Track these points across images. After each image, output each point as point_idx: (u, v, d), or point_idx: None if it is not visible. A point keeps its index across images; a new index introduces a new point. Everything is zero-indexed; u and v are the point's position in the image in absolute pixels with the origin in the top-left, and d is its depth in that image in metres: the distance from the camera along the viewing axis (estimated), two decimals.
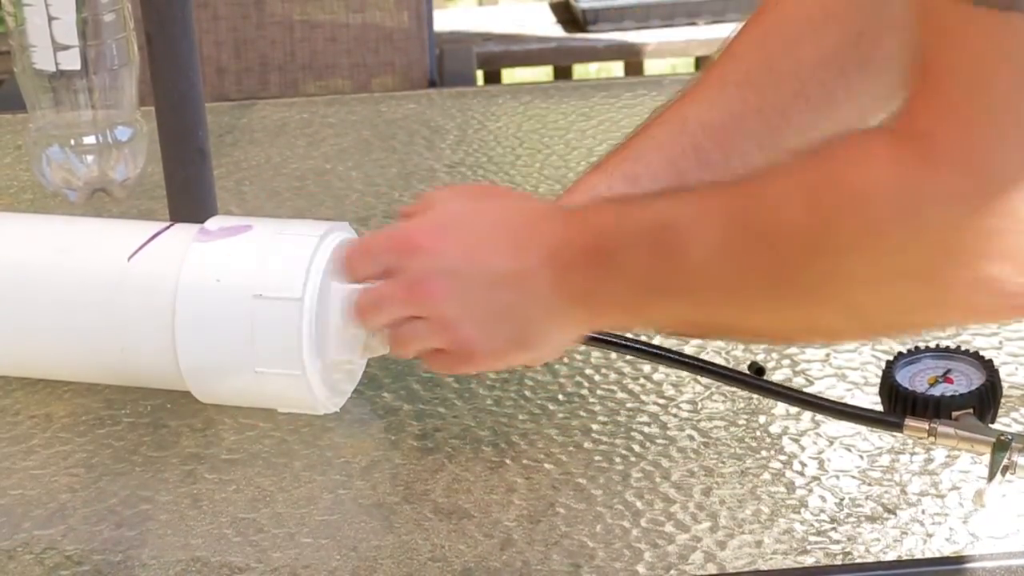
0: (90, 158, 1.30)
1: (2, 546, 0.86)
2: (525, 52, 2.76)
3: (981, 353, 0.89)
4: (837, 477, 0.89)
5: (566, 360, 1.02)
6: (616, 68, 3.25)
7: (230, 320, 0.90)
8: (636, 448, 0.93)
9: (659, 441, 0.94)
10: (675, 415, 0.96)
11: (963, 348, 0.90)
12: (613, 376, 1.01)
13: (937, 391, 0.86)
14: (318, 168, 1.39)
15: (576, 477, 0.90)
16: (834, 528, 0.85)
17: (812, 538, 0.84)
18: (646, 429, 0.95)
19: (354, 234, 0.96)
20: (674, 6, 2.76)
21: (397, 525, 0.87)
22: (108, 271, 0.95)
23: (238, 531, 0.87)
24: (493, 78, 2.81)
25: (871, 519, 0.85)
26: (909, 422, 0.86)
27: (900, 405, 0.87)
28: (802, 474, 0.90)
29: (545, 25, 2.85)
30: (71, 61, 1.25)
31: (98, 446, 0.95)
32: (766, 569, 0.82)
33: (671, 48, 2.73)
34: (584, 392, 0.99)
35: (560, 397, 0.99)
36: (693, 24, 2.74)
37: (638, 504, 0.87)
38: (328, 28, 2.17)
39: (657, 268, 0.80)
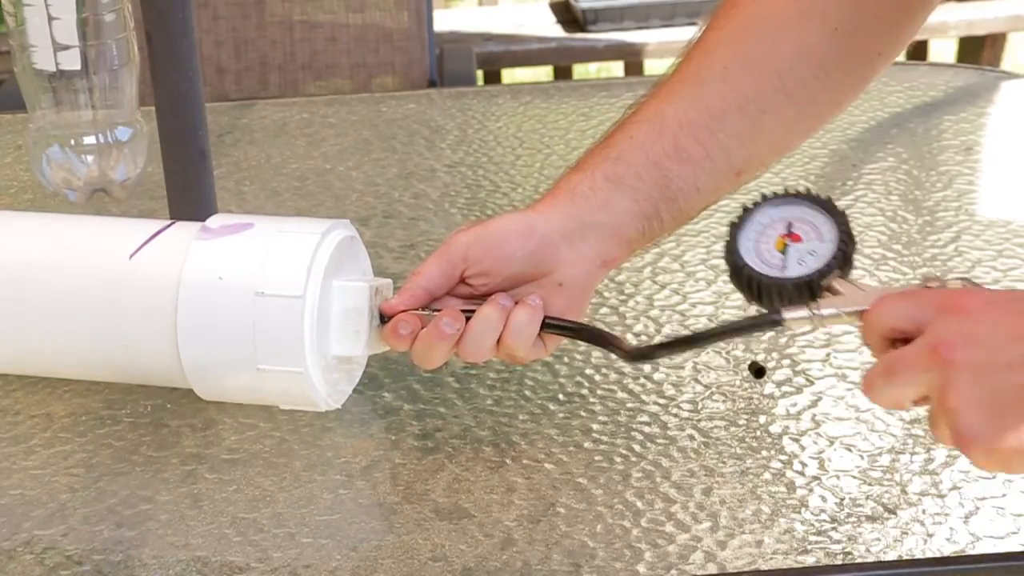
0: (90, 158, 1.30)
1: (2, 546, 0.86)
2: (525, 52, 2.77)
3: (813, 192, 0.84)
4: (837, 477, 0.89)
5: (566, 360, 1.02)
6: (616, 68, 3.26)
7: (232, 317, 0.90)
8: (636, 448, 0.93)
9: (659, 441, 0.94)
10: (675, 415, 0.96)
11: (791, 191, 0.85)
12: (613, 376, 1.01)
13: (794, 260, 0.81)
14: (318, 168, 1.39)
15: (576, 477, 0.90)
16: (834, 528, 0.85)
17: (812, 538, 0.84)
18: (646, 429, 0.95)
19: (355, 232, 0.96)
20: (674, 6, 2.77)
21: (397, 525, 0.87)
22: (110, 269, 0.95)
23: (238, 531, 0.87)
24: (493, 78, 2.81)
25: (871, 519, 0.85)
26: (787, 316, 0.81)
27: (765, 296, 0.82)
28: (802, 474, 0.90)
29: (545, 25, 2.85)
30: (71, 61, 1.25)
31: (98, 446, 0.95)
32: (766, 569, 0.82)
33: (671, 48, 2.73)
34: (584, 392, 0.99)
35: (560, 397, 0.99)
36: (693, 24, 2.74)
37: (638, 504, 0.88)
38: (328, 28, 2.17)
39: None
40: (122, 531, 0.87)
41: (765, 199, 0.85)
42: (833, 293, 0.81)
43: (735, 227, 0.85)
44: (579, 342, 1.04)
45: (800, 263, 0.82)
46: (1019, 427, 0.69)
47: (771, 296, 0.82)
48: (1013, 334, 0.71)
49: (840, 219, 0.82)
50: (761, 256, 0.83)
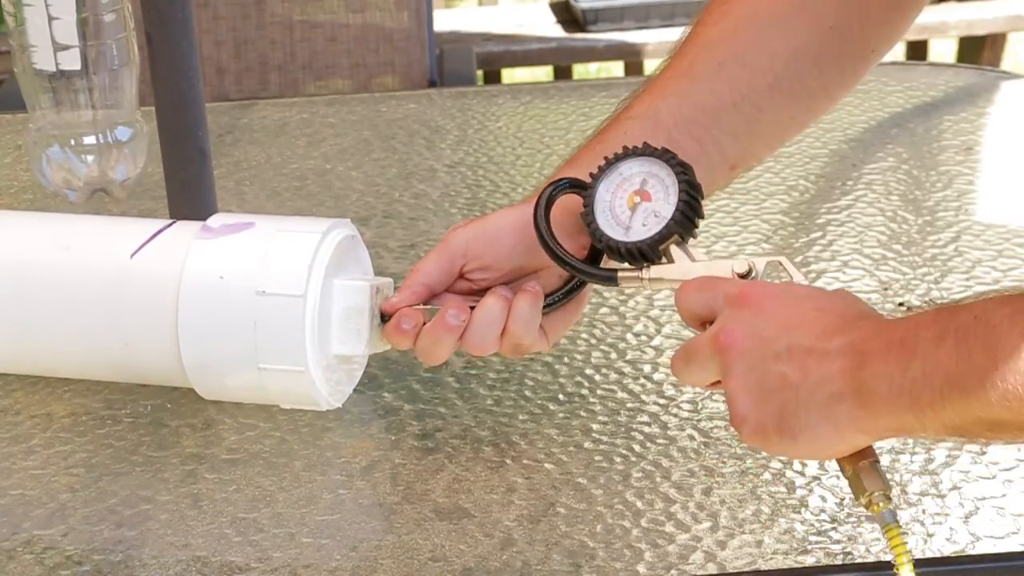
0: (90, 158, 1.30)
1: (2, 546, 0.86)
2: (525, 52, 2.77)
3: (676, 156, 0.86)
4: (837, 477, 0.89)
5: (566, 360, 1.02)
6: (616, 68, 3.26)
7: (233, 316, 0.90)
8: (636, 448, 0.93)
9: (659, 441, 0.94)
10: (675, 415, 0.96)
11: (654, 147, 0.87)
12: (613, 376, 1.01)
13: (639, 220, 0.86)
14: (318, 168, 1.39)
15: (576, 477, 0.90)
16: (834, 528, 0.85)
17: (812, 538, 0.84)
18: (646, 429, 0.95)
19: (356, 231, 0.96)
20: (674, 6, 2.76)
21: (397, 525, 0.87)
22: (111, 268, 0.95)
23: (238, 531, 0.87)
24: (493, 78, 2.81)
25: (871, 519, 0.85)
26: (621, 275, 0.87)
27: (608, 253, 0.87)
28: (802, 474, 0.90)
29: (545, 25, 2.85)
30: (71, 61, 1.25)
31: (98, 446, 0.95)
32: (766, 569, 0.82)
33: (671, 48, 2.73)
34: (584, 392, 0.99)
35: (560, 397, 0.99)
36: None
37: (638, 504, 0.88)
38: (328, 28, 2.17)
39: (964, 361, 0.71)
40: (122, 531, 0.87)
41: (627, 152, 0.88)
42: (668, 260, 0.86)
43: (595, 179, 0.88)
44: (579, 343, 1.04)
45: (644, 224, 0.86)
46: (779, 411, 0.76)
47: (613, 254, 0.87)
48: (784, 325, 0.77)
49: (686, 185, 0.85)
50: (613, 211, 0.87)
